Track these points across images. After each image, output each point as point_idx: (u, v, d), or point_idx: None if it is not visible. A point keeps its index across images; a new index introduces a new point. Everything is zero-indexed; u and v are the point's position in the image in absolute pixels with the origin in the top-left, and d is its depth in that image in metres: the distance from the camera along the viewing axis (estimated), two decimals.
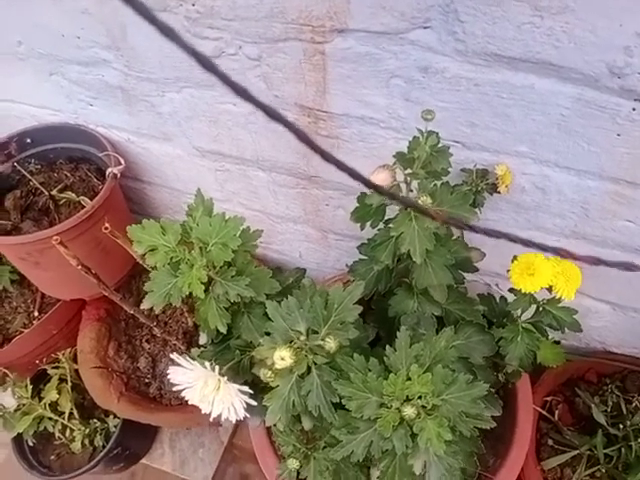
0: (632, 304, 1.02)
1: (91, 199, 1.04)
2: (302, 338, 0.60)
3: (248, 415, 0.68)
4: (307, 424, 0.71)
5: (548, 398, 1.14)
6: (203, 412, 0.67)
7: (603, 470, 1.04)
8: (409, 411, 0.56)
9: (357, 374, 0.59)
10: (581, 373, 1.18)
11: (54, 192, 1.11)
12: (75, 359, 1.23)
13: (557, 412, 1.13)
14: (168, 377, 0.68)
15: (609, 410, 1.09)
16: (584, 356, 1.19)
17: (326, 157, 0.31)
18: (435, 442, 0.55)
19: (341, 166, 0.32)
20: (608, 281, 0.98)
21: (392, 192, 0.38)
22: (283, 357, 0.55)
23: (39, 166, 1.16)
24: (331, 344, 0.56)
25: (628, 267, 0.37)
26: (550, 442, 1.10)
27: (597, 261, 0.37)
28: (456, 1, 0.63)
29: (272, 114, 0.29)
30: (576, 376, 1.18)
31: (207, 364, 0.64)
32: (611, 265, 0.37)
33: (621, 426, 1.04)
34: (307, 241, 1.21)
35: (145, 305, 0.72)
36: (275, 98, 0.86)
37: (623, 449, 1.03)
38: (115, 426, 1.25)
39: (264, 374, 0.60)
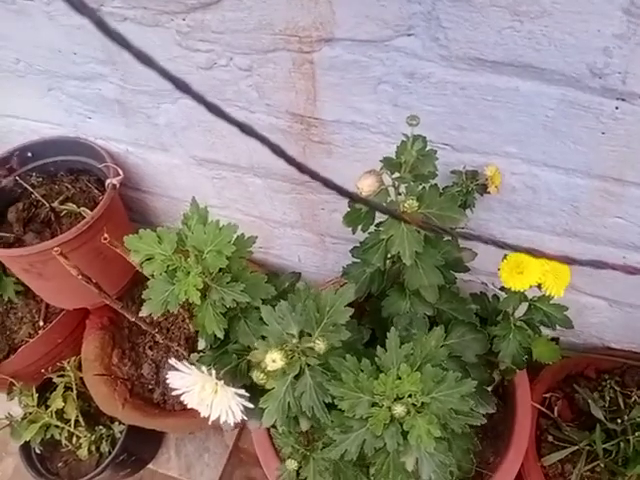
0: (628, 299, 1.03)
1: (92, 210, 1.06)
2: (294, 341, 0.61)
3: (246, 418, 0.70)
4: (304, 425, 0.73)
5: (547, 395, 1.15)
6: (202, 415, 0.69)
7: (602, 465, 1.04)
8: (399, 409, 0.57)
9: (349, 374, 0.61)
10: (580, 369, 1.19)
11: (55, 204, 1.13)
12: (80, 367, 1.25)
13: (556, 408, 1.13)
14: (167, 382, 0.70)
15: (607, 405, 1.10)
16: (583, 352, 1.20)
17: (301, 169, 0.33)
18: (425, 439, 0.57)
19: (315, 176, 0.34)
20: (603, 277, 0.99)
21: (368, 199, 0.40)
22: (274, 359, 0.56)
23: (40, 179, 1.18)
24: (321, 345, 0.58)
25: (597, 265, 0.38)
26: (550, 438, 1.11)
27: (569, 260, 0.39)
28: (438, 8, 0.65)
29: (246, 130, 0.31)
30: (575, 372, 1.18)
31: (204, 368, 0.66)
32: (582, 264, 0.38)
33: (619, 421, 1.05)
34: (305, 245, 1.23)
35: (144, 312, 0.74)
36: (267, 106, 0.88)
37: (622, 443, 1.04)
38: (120, 432, 1.27)
39: (256, 376, 0.62)
